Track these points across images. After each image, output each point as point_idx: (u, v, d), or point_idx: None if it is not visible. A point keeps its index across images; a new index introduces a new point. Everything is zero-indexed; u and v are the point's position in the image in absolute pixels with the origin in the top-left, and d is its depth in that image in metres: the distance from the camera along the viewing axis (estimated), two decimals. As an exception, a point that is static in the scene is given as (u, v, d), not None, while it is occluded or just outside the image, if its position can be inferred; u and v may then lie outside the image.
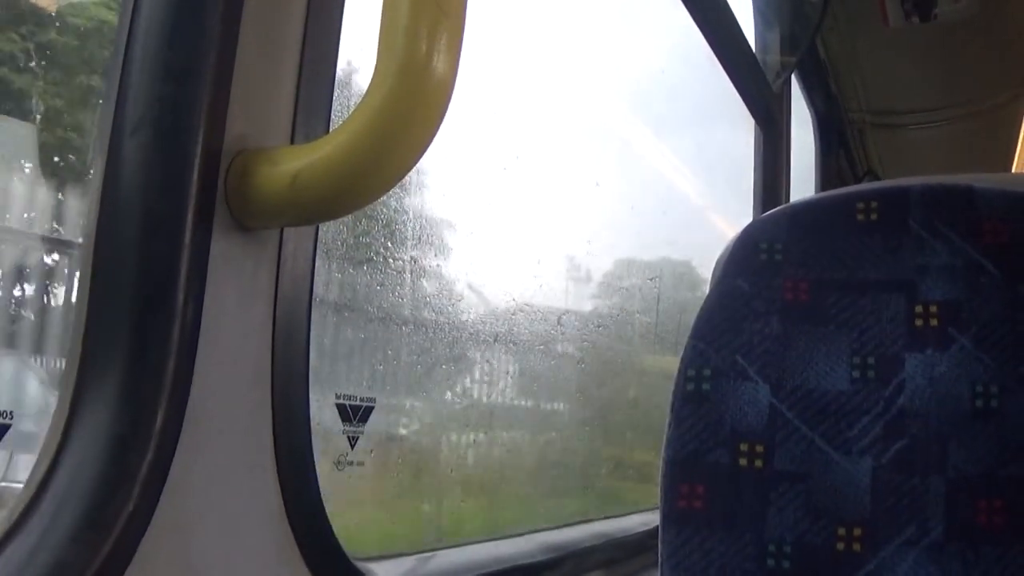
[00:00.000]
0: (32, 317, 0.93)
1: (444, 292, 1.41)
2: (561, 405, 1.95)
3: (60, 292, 0.92)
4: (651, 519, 1.81)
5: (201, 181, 0.71)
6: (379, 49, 0.66)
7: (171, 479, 0.69)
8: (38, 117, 0.89)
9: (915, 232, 0.96)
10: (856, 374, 0.94)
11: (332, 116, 0.86)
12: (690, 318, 1.00)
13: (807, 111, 3.29)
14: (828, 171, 3.37)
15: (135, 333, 0.69)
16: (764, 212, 1.08)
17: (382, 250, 1.26)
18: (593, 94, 1.90)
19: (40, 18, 0.89)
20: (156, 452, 0.68)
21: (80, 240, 0.73)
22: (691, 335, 0.99)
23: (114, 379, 0.69)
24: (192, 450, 0.71)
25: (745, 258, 1.00)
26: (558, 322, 1.73)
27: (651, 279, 2.16)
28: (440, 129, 0.69)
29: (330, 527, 0.88)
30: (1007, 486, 0.87)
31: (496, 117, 1.52)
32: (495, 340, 1.55)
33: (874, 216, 0.98)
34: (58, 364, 0.81)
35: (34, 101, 0.90)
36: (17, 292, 0.93)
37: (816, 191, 3.31)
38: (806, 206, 1.03)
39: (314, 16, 0.83)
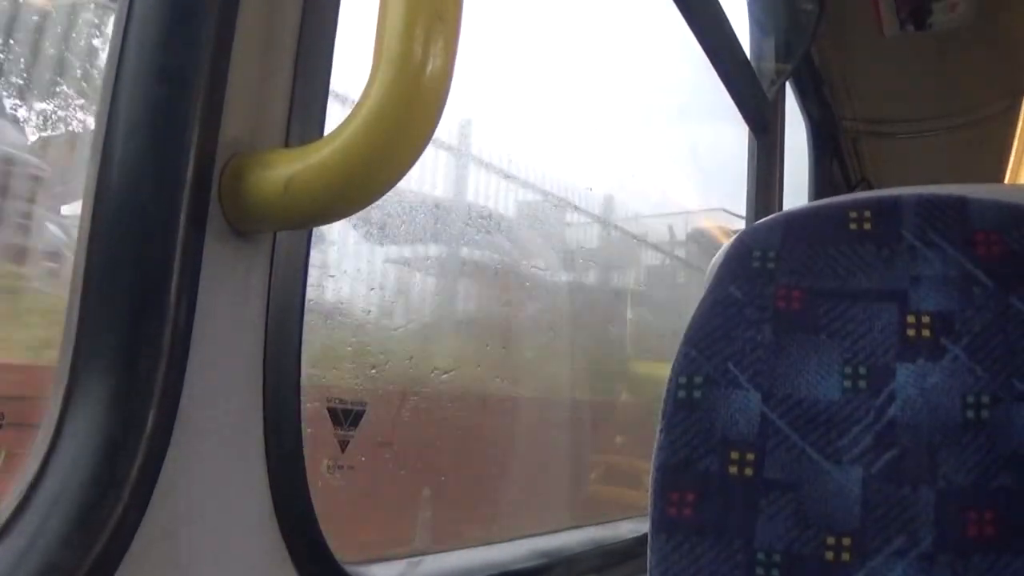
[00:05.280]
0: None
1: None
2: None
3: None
4: (640, 526, 1.81)
5: (195, 184, 0.71)
6: (374, 52, 0.66)
7: (161, 482, 0.69)
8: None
9: (908, 242, 0.96)
10: (847, 383, 0.94)
11: (326, 119, 0.86)
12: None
13: (801, 119, 3.29)
14: (822, 179, 3.38)
15: (127, 336, 0.69)
16: (757, 219, 1.08)
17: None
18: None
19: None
20: (147, 455, 0.68)
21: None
22: (683, 342, 0.99)
23: (106, 381, 0.68)
24: (183, 453, 0.71)
25: (738, 265, 1.00)
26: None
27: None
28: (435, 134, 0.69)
29: (320, 531, 0.88)
30: (997, 497, 0.87)
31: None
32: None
33: (867, 225, 0.99)
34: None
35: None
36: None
37: (809, 199, 3.31)
38: (800, 214, 1.03)
39: (309, 19, 0.83)
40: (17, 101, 0.86)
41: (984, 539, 0.86)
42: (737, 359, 0.97)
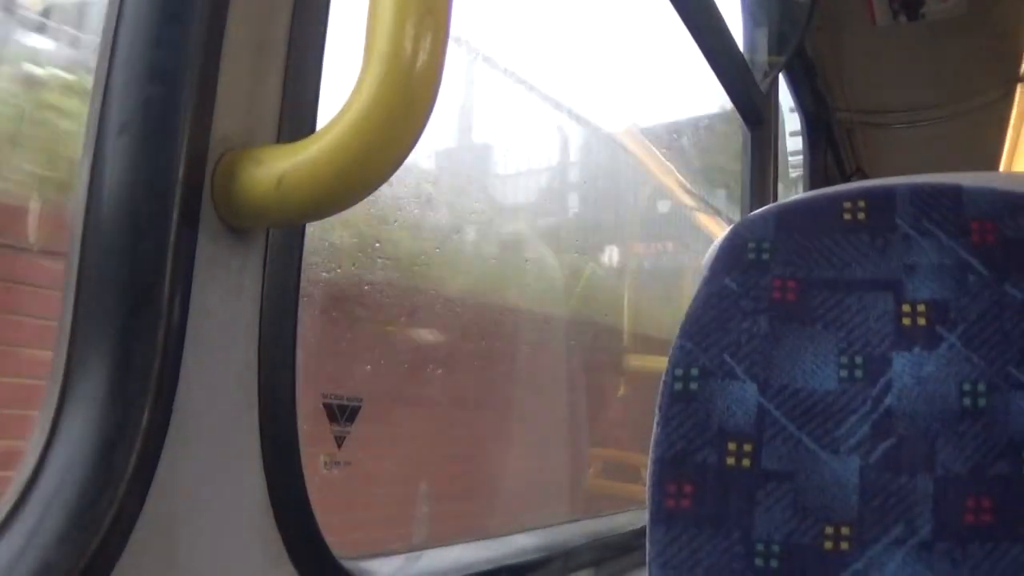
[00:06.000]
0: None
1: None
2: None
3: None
4: (639, 519, 1.81)
5: (187, 181, 0.71)
6: (364, 47, 0.66)
7: (158, 478, 0.69)
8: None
9: (902, 231, 0.97)
10: (843, 373, 0.94)
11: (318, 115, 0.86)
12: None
13: (796, 110, 3.30)
14: (816, 170, 3.38)
15: (122, 333, 0.69)
16: (752, 211, 1.08)
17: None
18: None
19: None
20: (143, 451, 0.68)
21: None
22: (679, 334, 0.99)
23: (101, 379, 0.68)
24: (179, 449, 0.71)
25: (733, 257, 1.00)
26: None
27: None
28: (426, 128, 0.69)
29: (317, 525, 0.88)
30: (994, 485, 0.87)
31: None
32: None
33: (861, 215, 0.99)
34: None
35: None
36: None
37: (804, 190, 3.31)
38: (794, 205, 1.03)
39: (300, 15, 0.82)
40: None
41: (982, 527, 0.86)
42: (733, 350, 0.97)
